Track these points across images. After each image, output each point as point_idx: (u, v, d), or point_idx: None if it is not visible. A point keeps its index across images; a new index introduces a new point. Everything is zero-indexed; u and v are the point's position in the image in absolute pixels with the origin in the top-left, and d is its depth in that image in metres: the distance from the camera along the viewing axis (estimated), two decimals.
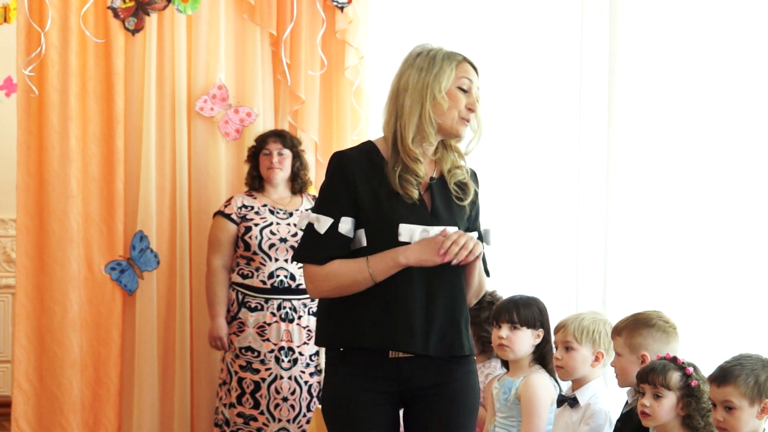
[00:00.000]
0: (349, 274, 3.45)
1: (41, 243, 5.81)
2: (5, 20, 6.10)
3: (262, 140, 5.75)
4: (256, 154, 5.76)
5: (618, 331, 3.95)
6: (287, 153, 5.73)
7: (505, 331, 4.32)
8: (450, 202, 3.52)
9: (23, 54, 5.75)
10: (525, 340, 4.33)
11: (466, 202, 3.54)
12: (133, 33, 5.86)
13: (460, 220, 3.52)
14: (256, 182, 5.78)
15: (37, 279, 5.82)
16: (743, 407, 3.33)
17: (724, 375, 3.38)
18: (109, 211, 5.88)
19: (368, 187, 3.48)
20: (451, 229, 3.44)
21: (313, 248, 3.52)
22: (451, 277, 3.49)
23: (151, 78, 5.89)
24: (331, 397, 3.56)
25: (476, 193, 3.58)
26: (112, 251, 5.89)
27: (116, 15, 5.84)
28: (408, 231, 3.43)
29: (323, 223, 3.50)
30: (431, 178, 3.53)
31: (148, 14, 5.87)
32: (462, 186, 3.55)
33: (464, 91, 3.50)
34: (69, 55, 5.79)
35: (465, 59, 3.55)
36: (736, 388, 3.34)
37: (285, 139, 5.74)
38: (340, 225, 3.49)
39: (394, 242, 3.44)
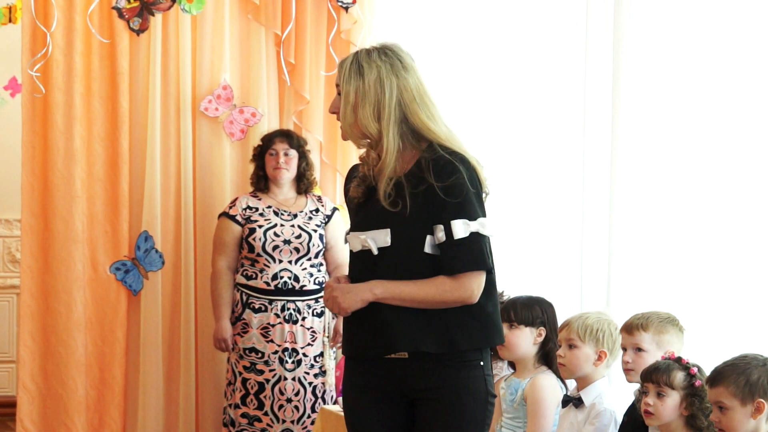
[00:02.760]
0: None
1: (46, 243, 5.82)
2: (10, 20, 6.09)
3: (269, 140, 5.75)
4: (262, 153, 5.75)
5: (644, 326, 3.94)
6: (293, 153, 5.72)
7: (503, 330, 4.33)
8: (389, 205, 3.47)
9: (28, 54, 5.76)
10: (523, 339, 4.32)
11: (401, 205, 3.42)
12: (138, 33, 5.87)
13: (396, 220, 3.44)
14: (262, 182, 5.78)
15: (41, 279, 5.82)
16: (735, 407, 3.32)
17: (715, 376, 3.38)
18: (114, 211, 5.88)
19: (348, 200, 3.62)
20: (365, 237, 3.47)
21: None
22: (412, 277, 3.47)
23: (155, 78, 5.89)
24: (343, 393, 3.65)
25: (429, 184, 3.41)
26: (116, 251, 5.89)
27: (121, 15, 5.84)
28: (351, 239, 3.55)
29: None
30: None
31: (153, 14, 5.88)
32: (398, 185, 3.44)
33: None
34: (74, 55, 5.79)
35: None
36: (726, 389, 3.33)
37: (292, 139, 5.74)
38: (346, 239, 3.64)
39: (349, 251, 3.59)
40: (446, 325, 3.44)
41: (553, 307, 4.41)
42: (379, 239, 3.45)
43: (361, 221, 3.53)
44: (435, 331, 3.44)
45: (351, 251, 3.55)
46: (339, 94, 3.50)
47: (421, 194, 3.43)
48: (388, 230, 3.45)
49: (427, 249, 3.44)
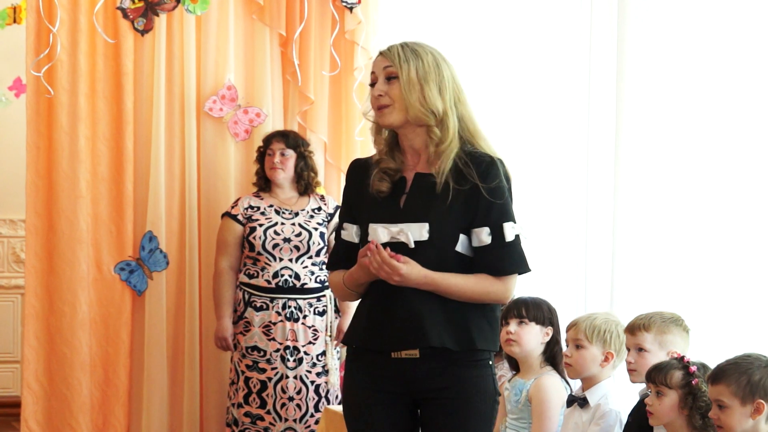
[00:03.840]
0: (337, 284, 3.62)
1: (50, 243, 5.82)
2: (15, 21, 6.10)
3: (267, 140, 5.78)
4: (263, 154, 5.77)
5: (645, 327, 3.95)
6: (290, 153, 5.73)
7: (513, 326, 4.34)
8: (431, 198, 3.46)
9: (32, 55, 5.76)
10: (533, 336, 4.34)
11: (449, 197, 3.42)
12: (143, 33, 5.87)
13: (438, 215, 3.43)
14: (263, 182, 5.80)
15: (46, 279, 5.82)
16: (734, 406, 3.32)
17: (717, 373, 3.39)
18: (119, 211, 5.89)
19: (361, 192, 3.57)
20: (398, 229, 3.43)
21: (330, 254, 3.74)
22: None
23: (160, 78, 5.89)
24: (345, 393, 3.63)
25: (474, 184, 3.42)
26: (121, 252, 5.89)
27: (125, 15, 5.84)
28: (373, 230, 3.49)
29: (335, 231, 3.70)
30: (417, 174, 3.52)
31: (158, 15, 5.88)
32: (446, 180, 3.44)
33: (371, 86, 3.54)
34: (78, 55, 5.79)
35: (380, 52, 3.57)
36: (727, 387, 3.33)
37: (288, 139, 5.75)
38: (342, 232, 3.62)
39: (366, 242, 3.51)
40: (466, 325, 3.46)
41: (556, 311, 4.43)
42: (414, 233, 3.44)
43: (389, 213, 3.49)
44: (457, 329, 3.46)
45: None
46: (388, 78, 3.49)
47: (464, 192, 3.44)
48: (427, 225, 3.44)
49: (458, 248, 3.45)
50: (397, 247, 3.44)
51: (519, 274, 3.51)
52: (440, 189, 3.43)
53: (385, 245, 3.45)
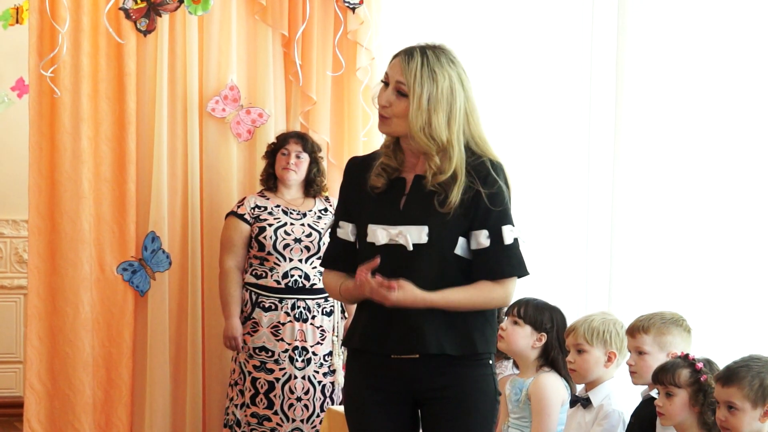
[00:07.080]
0: (333, 289, 3.63)
1: (53, 244, 5.82)
2: (17, 21, 6.10)
3: (283, 139, 5.77)
4: (275, 151, 5.76)
5: (645, 329, 3.95)
6: (305, 157, 5.73)
7: (506, 323, 4.36)
8: (430, 201, 3.45)
9: (35, 55, 5.75)
10: (521, 337, 4.34)
11: (451, 201, 3.42)
12: (145, 34, 5.87)
13: (436, 219, 3.43)
14: (271, 180, 5.79)
15: (48, 280, 5.83)
16: (745, 409, 3.33)
17: (729, 375, 3.38)
18: (121, 211, 5.89)
19: (360, 190, 3.55)
20: (398, 231, 3.43)
21: (325, 251, 3.71)
22: (436, 280, 3.44)
23: (162, 79, 5.89)
24: (346, 393, 3.64)
25: (476, 191, 3.42)
26: (123, 252, 5.89)
27: (128, 16, 5.84)
28: (372, 232, 3.48)
29: (330, 229, 3.66)
30: (416, 176, 3.51)
31: (160, 15, 5.87)
32: (446, 184, 3.44)
33: (386, 84, 3.49)
34: (81, 56, 5.79)
35: (397, 54, 3.50)
36: (740, 390, 3.34)
37: (306, 142, 5.75)
38: (338, 230, 3.61)
39: (364, 243, 3.51)
40: (467, 329, 3.47)
41: (565, 318, 4.41)
42: (413, 235, 3.44)
43: (388, 214, 3.48)
44: (458, 333, 3.47)
45: (370, 243, 3.48)
46: (398, 91, 3.44)
47: (466, 199, 3.43)
48: (426, 228, 3.43)
49: (458, 251, 3.46)
50: (396, 248, 3.44)
51: (518, 277, 3.51)
52: (447, 195, 3.42)
53: (386, 248, 3.45)
